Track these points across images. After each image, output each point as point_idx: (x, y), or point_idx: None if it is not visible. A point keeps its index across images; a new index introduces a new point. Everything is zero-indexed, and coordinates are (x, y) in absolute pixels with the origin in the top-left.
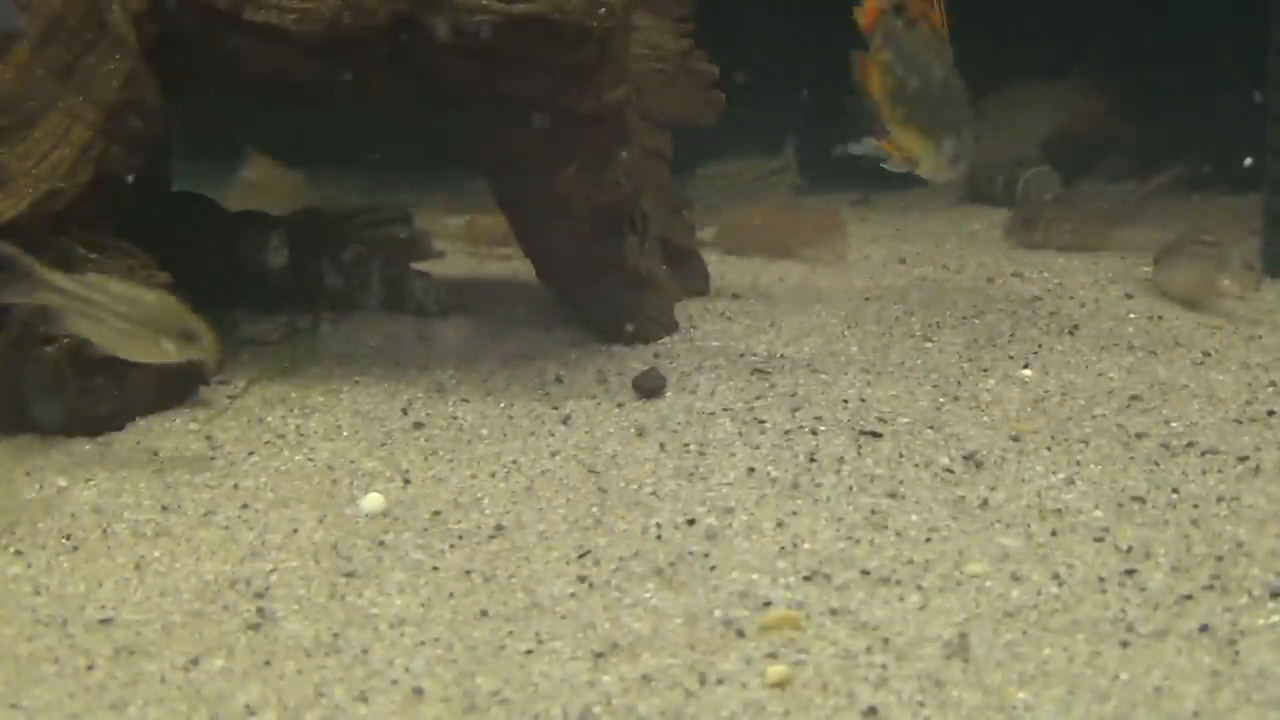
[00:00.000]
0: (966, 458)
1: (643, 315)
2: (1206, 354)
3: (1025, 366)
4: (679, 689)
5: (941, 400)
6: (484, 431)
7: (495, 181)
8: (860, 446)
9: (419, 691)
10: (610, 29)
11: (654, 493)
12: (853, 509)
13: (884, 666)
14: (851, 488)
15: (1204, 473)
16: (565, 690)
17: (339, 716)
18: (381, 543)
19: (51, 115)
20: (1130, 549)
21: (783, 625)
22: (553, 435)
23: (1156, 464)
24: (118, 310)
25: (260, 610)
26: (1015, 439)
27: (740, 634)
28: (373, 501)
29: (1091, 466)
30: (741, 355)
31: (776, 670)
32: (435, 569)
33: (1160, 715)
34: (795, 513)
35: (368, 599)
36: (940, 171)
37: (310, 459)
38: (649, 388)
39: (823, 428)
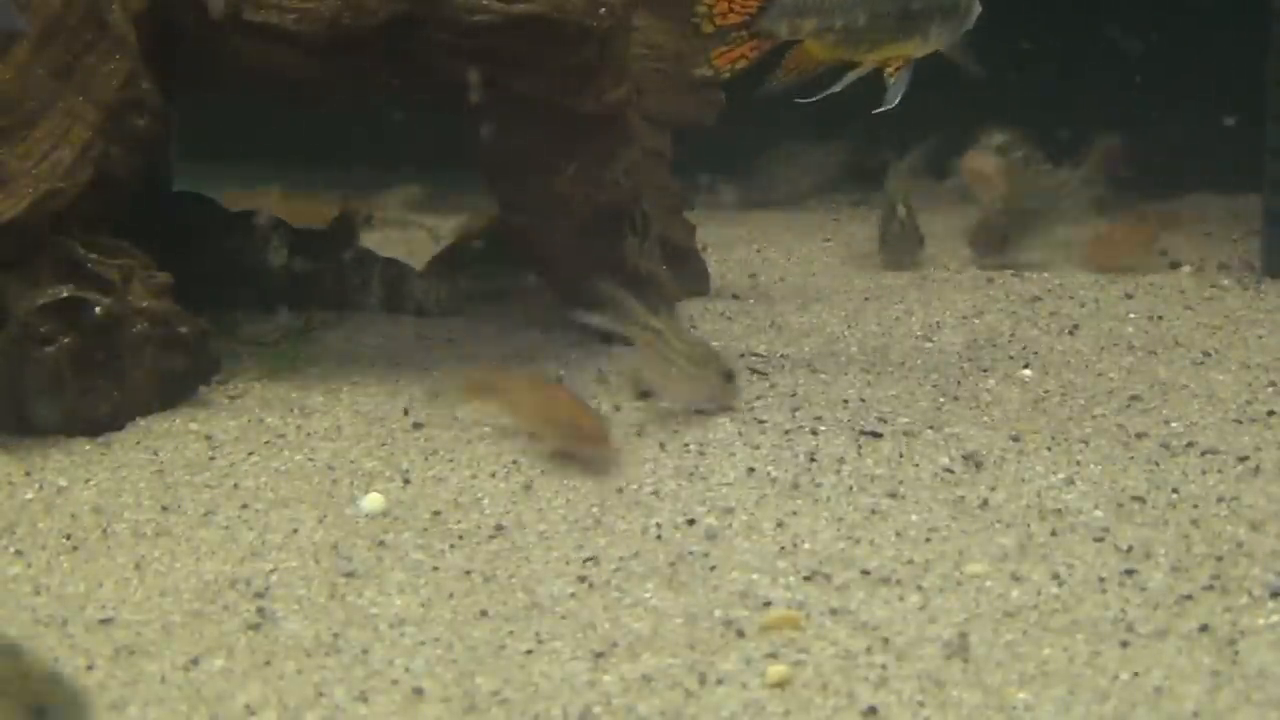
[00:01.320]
0: (966, 458)
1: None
2: (1206, 354)
3: (1025, 366)
4: (679, 689)
5: (941, 400)
6: (484, 431)
7: (495, 181)
8: (860, 446)
9: (419, 691)
10: (610, 29)
11: (654, 493)
12: (853, 509)
13: (884, 666)
14: (851, 488)
15: (1204, 473)
16: (565, 690)
17: (339, 716)
18: (381, 543)
19: (51, 115)
20: (1130, 549)
21: (783, 625)
22: None
23: (1156, 464)
24: (684, 353)
25: (260, 610)
26: (1015, 439)
27: (740, 634)
28: (373, 501)
29: (1091, 466)
30: (741, 355)
31: (776, 670)
32: (435, 569)
33: (1160, 715)
34: (795, 513)
35: (368, 599)
36: (941, 44)
37: (310, 459)
38: (649, 388)
39: (823, 428)
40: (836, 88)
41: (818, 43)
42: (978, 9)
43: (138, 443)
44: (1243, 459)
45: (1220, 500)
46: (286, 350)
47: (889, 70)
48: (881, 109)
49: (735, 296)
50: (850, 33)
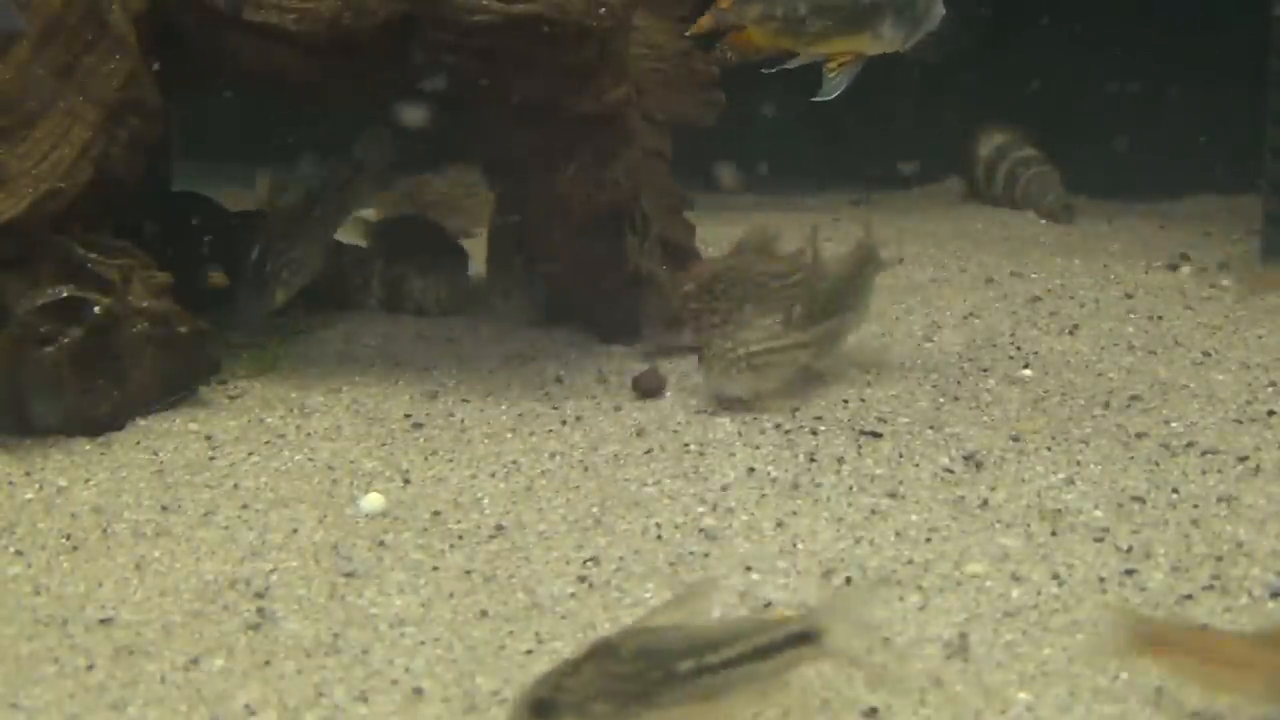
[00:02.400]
0: (966, 458)
1: (643, 315)
2: (1206, 354)
3: (1025, 366)
4: None
5: (941, 400)
6: (484, 431)
7: (495, 181)
8: (860, 446)
9: (419, 691)
10: (610, 29)
11: (654, 493)
12: (853, 509)
13: (884, 666)
14: (851, 488)
15: (1204, 473)
16: None
17: (339, 716)
18: (381, 543)
19: (51, 115)
20: (1130, 549)
21: None
22: (553, 435)
23: (1156, 464)
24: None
25: (260, 610)
26: (1015, 439)
27: None
28: (373, 501)
29: (1091, 466)
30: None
31: None
32: (435, 569)
33: (1160, 715)
34: (795, 513)
35: (368, 599)
36: (897, 44)
37: (310, 459)
38: (649, 388)
39: (823, 428)
40: (790, 65)
41: (759, 30)
42: (940, 9)
43: (138, 443)
44: (1243, 459)
45: (1220, 500)
46: (275, 350)
47: (830, 65)
48: (818, 98)
49: None
50: (791, 22)
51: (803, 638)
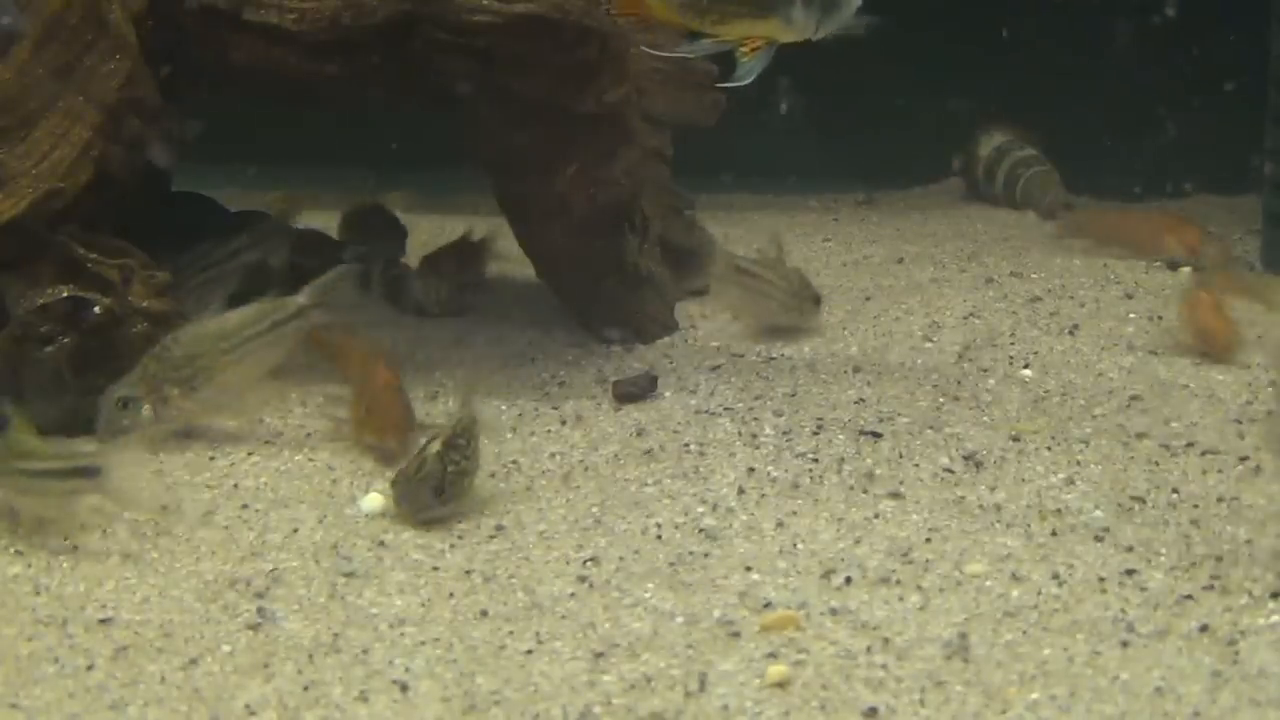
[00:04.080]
0: (966, 458)
1: (643, 315)
2: (1206, 354)
3: (1025, 366)
4: (679, 689)
5: (941, 400)
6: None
7: (495, 181)
8: (860, 446)
9: (419, 691)
10: (610, 29)
11: (654, 493)
12: (853, 509)
13: (884, 666)
14: (852, 488)
15: (1204, 473)
16: (565, 690)
17: (339, 716)
18: (381, 543)
19: (51, 115)
20: (1130, 549)
21: (783, 625)
22: (553, 435)
23: (1156, 464)
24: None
25: (260, 610)
26: (1015, 439)
27: (740, 635)
28: (373, 501)
29: (1091, 466)
30: (741, 355)
31: (776, 670)
32: (435, 569)
33: (1160, 715)
34: (795, 513)
35: (368, 599)
36: (808, 30)
37: (310, 459)
38: (627, 393)
39: (823, 428)
40: (690, 53)
41: (661, 3)
42: (848, 11)
43: (138, 443)
44: (1243, 459)
45: (1220, 500)
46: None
47: (742, 49)
48: (729, 84)
49: None
50: (693, 0)
51: (84, 471)
